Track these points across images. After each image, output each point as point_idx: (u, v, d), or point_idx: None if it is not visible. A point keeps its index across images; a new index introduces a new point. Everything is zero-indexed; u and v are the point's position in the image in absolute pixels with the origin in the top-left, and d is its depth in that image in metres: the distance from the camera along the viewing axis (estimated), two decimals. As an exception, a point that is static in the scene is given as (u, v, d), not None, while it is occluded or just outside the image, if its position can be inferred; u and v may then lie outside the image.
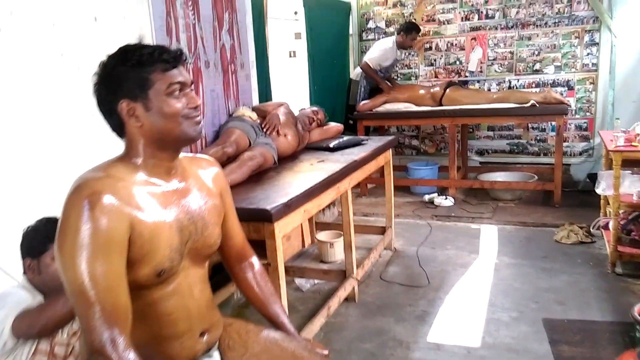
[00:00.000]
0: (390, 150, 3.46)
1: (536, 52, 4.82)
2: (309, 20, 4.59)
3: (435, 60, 5.22)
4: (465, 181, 4.68)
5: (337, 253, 3.30)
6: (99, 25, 2.05)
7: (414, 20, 5.01)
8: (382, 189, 3.66)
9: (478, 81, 5.08)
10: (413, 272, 3.18)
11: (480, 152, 5.20)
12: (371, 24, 5.45)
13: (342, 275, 2.83)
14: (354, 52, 5.47)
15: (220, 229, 1.28)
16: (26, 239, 1.50)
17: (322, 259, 3.44)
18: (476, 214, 4.15)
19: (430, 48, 5.22)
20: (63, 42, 1.90)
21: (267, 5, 3.63)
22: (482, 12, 4.94)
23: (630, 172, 3.04)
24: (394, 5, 5.27)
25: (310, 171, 2.57)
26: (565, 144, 4.70)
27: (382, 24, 5.38)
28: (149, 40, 2.32)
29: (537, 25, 4.78)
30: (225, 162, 2.43)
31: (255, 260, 1.42)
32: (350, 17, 5.38)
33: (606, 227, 3.28)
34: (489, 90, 5.00)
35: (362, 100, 4.85)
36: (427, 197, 4.57)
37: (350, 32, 5.41)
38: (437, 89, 4.64)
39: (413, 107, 4.64)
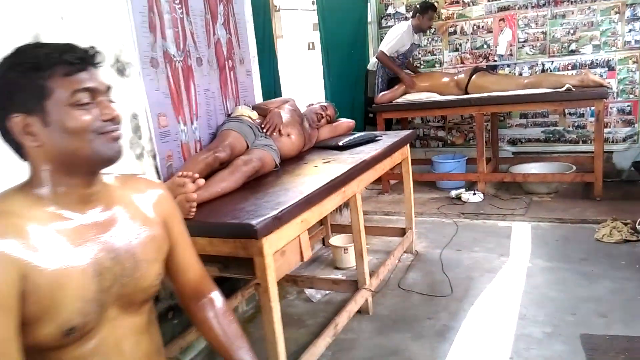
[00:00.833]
0: (408, 145, 3.18)
1: (571, 31, 4.41)
2: (322, 9, 4.34)
3: (460, 44, 4.87)
4: (495, 174, 4.33)
5: (352, 259, 3.04)
6: (66, 24, 1.86)
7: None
8: None
9: (508, 65, 4.70)
10: (435, 279, 2.90)
11: (513, 142, 4.83)
12: (390, 10, 5.14)
13: (354, 285, 2.59)
14: (373, 40, 5.17)
15: (161, 265, 1.06)
16: None
17: (337, 265, 3.21)
18: (507, 211, 3.81)
19: (455, 32, 4.87)
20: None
21: (271, -5, 3.39)
22: (510, -10, 4.56)
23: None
24: (414, -12, 4.94)
25: (313, 174, 2.33)
26: (606, 130, 4.29)
27: (402, 9, 5.06)
28: (129, 39, 2.13)
29: (571, 2, 4.37)
30: (217, 168, 2.22)
31: (216, 296, 1.20)
32: (369, 3, 5.08)
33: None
34: (520, 74, 4.62)
35: (381, 91, 4.56)
36: (453, 193, 4.25)
37: (369, 19, 5.11)
38: (461, 75, 4.30)
39: (436, 97, 4.32)
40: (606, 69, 4.32)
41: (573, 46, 4.42)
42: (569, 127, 4.57)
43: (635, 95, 4.28)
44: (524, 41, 4.60)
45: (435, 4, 4.60)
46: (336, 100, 4.56)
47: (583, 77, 3.85)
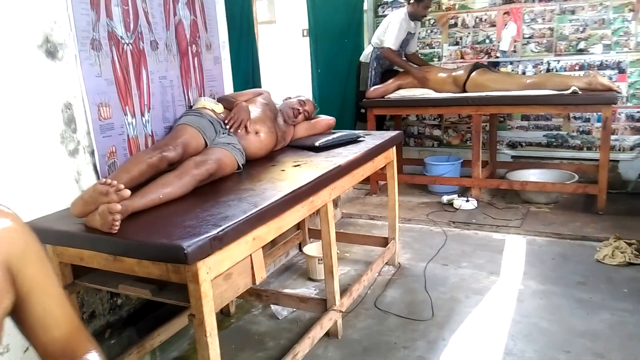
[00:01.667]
0: (394, 148, 2.87)
1: (581, 29, 4.07)
2: (311, -8, 4.00)
3: (461, 38, 4.54)
4: (491, 181, 4.02)
5: (327, 271, 2.76)
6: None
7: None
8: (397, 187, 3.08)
9: (511, 63, 4.38)
10: (416, 299, 2.61)
11: (513, 145, 4.52)
12: (388, -3, 4.79)
13: (323, 305, 2.30)
14: (369, 29, 4.83)
15: None
16: None
17: (310, 276, 2.92)
18: (502, 221, 3.51)
19: (456, 24, 4.54)
20: None
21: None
22: (516, -19, 4.22)
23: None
24: (414, -25, 4.59)
25: (278, 180, 2.03)
26: (613, 136, 3.98)
27: (401, -3, 4.71)
28: (63, 15, 1.81)
29: (583, -4, 4.03)
30: (165, 169, 1.92)
31: (93, 358, 0.90)
32: (365, -10, 4.74)
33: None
34: (524, 73, 4.30)
35: (373, 85, 4.24)
36: (445, 199, 3.95)
37: (365, 7, 4.77)
38: (460, 72, 3.97)
39: (432, 94, 4.00)
40: (616, 71, 3.99)
41: (582, 45, 4.09)
42: (573, 132, 4.26)
43: (647, 101, 3.97)
44: (529, 37, 4.27)
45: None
46: (324, 93, 4.25)
47: (591, 80, 3.53)
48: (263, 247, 1.77)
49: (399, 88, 4.12)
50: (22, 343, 1.67)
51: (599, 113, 3.75)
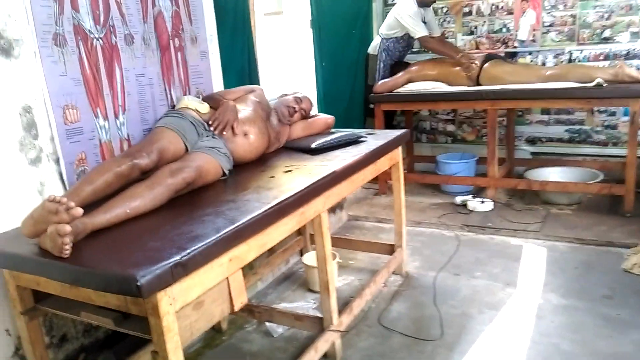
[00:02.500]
0: (400, 149, 2.63)
1: (606, 15, 3.76)
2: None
3: (476, 27, 4.25)
4: (508, 180, 3.74)
5: (327, 282, 2.55)
6: None
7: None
8: (407, 186, 2.84)
9: (530, 53, 4.08)
10: (424, 314, 2.38)
11: (532, 141, 4.24)
12: (398, -15, 4.51)
13: (320, 324, 2.09)
14: (378, 19, 4.57)
15: None
16: None
17: (310, 286, 2.71)
18: (519, 225, 3.25)
19: (470, 12, 4.25)
20: None
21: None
22: (536, -36, 3.92)
23: None
24: (425, -39, 4.31)
25: (264, 188, 1.82)
26: (641, 132, 3.66)
27: (411, -16, 4.43)
28: (19, 7, 1.62)
29: (608, -21, 3.71)
30: (137, 179, 1.72)
31: None
32: (375, -22, 4.48)
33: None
34: (544, 64, 4.00)
35: (382, 79, 3.99)
36: (458, 199, 3.70)
37: (374, -4, 4.51)
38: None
39: (444, 87, 3.74)
40: (645, 60, 3.68)
41: (607, 33, 3.77)
42: (597, 126, 3.96)
43: (679, 93, 3.64)
44: (550, 25, 3.97)
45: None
46: (330, 88, 4.03)
47: (617, 71, 3.23)
48: (261, 255, 1.56)
49: (409, 81, 3.86)
50: None
51: (627, 107, 3.44)
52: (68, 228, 1.28)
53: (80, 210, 1.32)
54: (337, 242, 2.93)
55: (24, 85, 1.64)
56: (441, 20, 4.33)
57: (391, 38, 3.94)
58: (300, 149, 2.36)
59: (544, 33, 4.01)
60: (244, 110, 2.23)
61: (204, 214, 1.59)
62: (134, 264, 1.23)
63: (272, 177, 1.97)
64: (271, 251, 2.74)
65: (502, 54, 4.01)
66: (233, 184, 1.94)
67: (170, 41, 2.19)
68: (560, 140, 4.13)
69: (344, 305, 2.23)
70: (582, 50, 3.87)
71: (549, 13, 3.95)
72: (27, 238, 1.42)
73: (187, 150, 1.97)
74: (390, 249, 2.77)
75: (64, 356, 1.84)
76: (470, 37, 4.28)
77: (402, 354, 2.11)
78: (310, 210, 1.86)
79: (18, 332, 1.61)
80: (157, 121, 2.07)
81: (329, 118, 2.59)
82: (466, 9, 4.25)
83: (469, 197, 3.68)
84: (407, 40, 3.96)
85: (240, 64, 2.91)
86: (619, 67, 3.24)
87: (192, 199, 1.76)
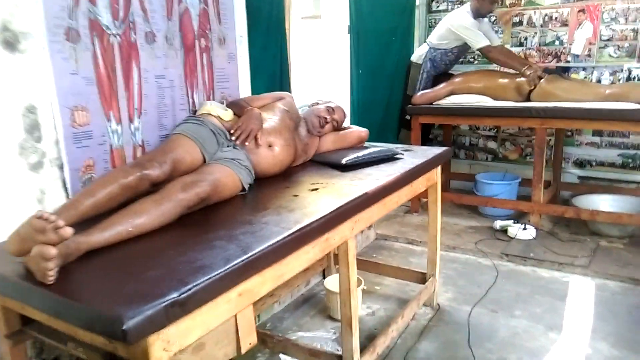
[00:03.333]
0: (439, 169, 2.39)
1: (674, 31, 3.43)
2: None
3: (526, 39, 3.97)
4: (554, 207, 3.44)
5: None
6: None
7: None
8: (442, 206, 2.59)
9: (584, 69, 3.78)
10: (455, 357, 2.14)
11: (580, 164, 3.92)
12: (444, -9, 4.28)
13: (338, 362, 1.87)
14: (420, 27, 4.34)
15: None
16: None
17: (330, 314, 2.49)
18: (565, 258, 2.96)
19: (521, 22, 3.98)
20: None
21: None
22: (597, -27, 3.62)
23: None
24: (475, -34, 4.06)
25: (286, 209, 1.62)
26: None
27: (458, -9, 4.19)
28: (30, 1, 1.47)
29: (679, -8, 3.39)
30: (146, 191, 1.55)
31: None
32: (419, -17, 4.25)
33: None
34: (599, 81, 3.69)
35: (423, 90, 3.75)
36: (498, 224, 3.42)
37: (417, 1, 4.28)
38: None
39: (489, 101, 3.47)
40: None
41: (674, 50, 3.45)
42: (656, 153, 3.62)
43: None
44: (608, 40, 3.66)
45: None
46: (366, 97, 3.82)
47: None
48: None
49: (451, 93, 3.61)
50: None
51: (694, 133, 3.11)
52: (53, 251, 1.11)
53: (69, 231, 1.15)
54: (363, 264, 2.71)
55: (29, 83, 1.49)
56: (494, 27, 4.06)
57: (440, 49, 3.69)
58: (330, 163, 2.15)
59: (600, 47, 3.70)
60: (270, 119, 2.04)
61: (215, 237, 1.40)
62: (125, 300, 1.05)
63: (296, 195, 1.77)
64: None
65: (556, 69, 3.71)
66: (252, 201, 1.75)
67: (196, 41, 2.02)
68: (612, 164, 3.81)
69: (366, 340, 2.02)
70: (643, 69, 3.55)
71: (607, 26, 3.65)
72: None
73: (204, 161, 1.80)
74: (422, 278, 2.53)
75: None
76: (520, 48, 4.00)
77: (430, 402, 1.87)
78: (336, 236, 1.65)
79: (1, 356, 1.46)
80: (175, 127, 1.90)
81: (362, 131, 2.37)
82: (516, 19, 3.98)
83: (510, 222, 3.40)
84: (456, 54, 3.70)
85: (272, 69, 2.73)
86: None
87: (204, 217, 1.58)
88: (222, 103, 2.11)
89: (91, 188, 1.45)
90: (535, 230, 3.29)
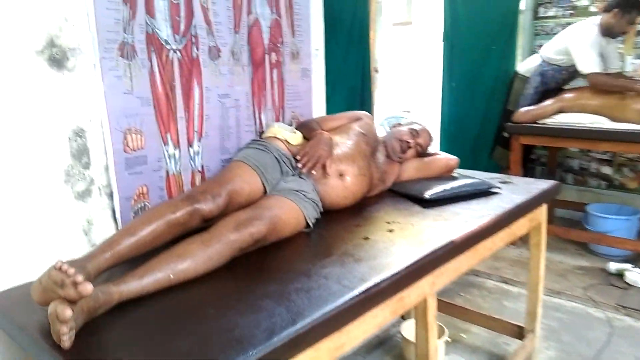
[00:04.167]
0: (545, 207, 2.01)
1: None
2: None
3: (654, 49, 3.39)
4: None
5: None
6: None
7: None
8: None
9: None
10: None
11: None
12: (554, -6, 3.79)
13: None
14: (525, 34, 3.87)
15: None
16: None
17: (407, 365, 2.19)
18: (703, 317, 2.41)
19: (648, 30, 3.39)
20: None
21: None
22: None
23: None
24: (594, -34, 3.55)
25: (354, 257, 1.36)
26: None
27: (572, -6, 3.69)
28: (80, 9, 1.34)
29: None
30: (197, 226, 1.37)
31: None
32: (524, -15, 3.79)
33: None
34: None
35: (527, 105, 3.30)
36: (613, 267, 2.90)
37: (522, 6, 3.82)
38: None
39: (605, 122, 2.97)
40: None
41: None
42: None
43: None
44: None
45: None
46: (458, 111, 3.46)
47: None
48: None
49: (560, 111, 3.14)
50: None
51: None
52: (68, 313, 0.94)
53: (89, 288, 0.97)
54: (447, 308, 2.37)
55: (78, 104, 1.37)
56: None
57: (554, 65, 3.22)
58: (410, 196, 1.86)
59: None
60: (343, 143, 1.80)
61: (264, 293, 1.17)
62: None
63: (367, 238, 1.50)
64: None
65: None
66: (315, 243, 1.51)
67: (266, 56, 1.83)
68: None
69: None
70: None
71: None
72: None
73: (265, 191, 1.59)
74: (518, 332, 2.14)
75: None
76: (645, 60, 3.42)
77: None
78: (412, 294, 1.36)
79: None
80: (237, 151, 1.72)
81: (451, 159, 2.05)
82: (642, 26, 3.41)
83: (628, 266, 2.87)
84: (572, 73, 3.21)
85: (352, 83, 2.50)
86: None
87: (258, 261, 1.36)
88: (291, 124, 1.89)
89: (133, 225, 1.28)
90: (661, 277, 2.74)
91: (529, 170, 3.86)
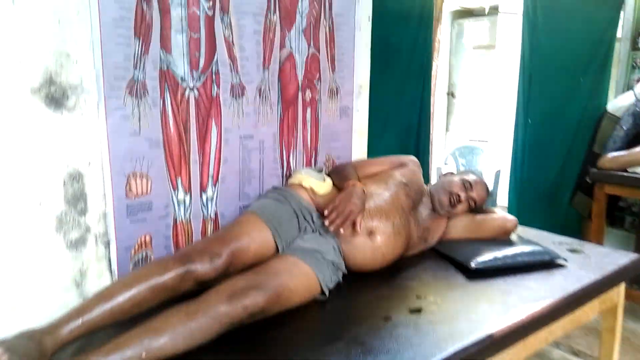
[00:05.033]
0: (622, 286, 1.65)
1: None
2: (531, 9, 2.90)
3: None
4: None
5: None
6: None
7: None
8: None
9: None
10: None
11: None
12: (658, 22, 3.30)
13: None
14: (621, 66, 3.41)
15: None
16: None
17: None
18: None
19: None
20: None
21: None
22: None
23: None
24: None
25: (365, 348, 1.13)
26: None
27: (681, 22, 3.19)
28: (85, 49, 1.24)
29: None
30: (191, 289, 1.21)
31: None
32: (622, 12, 3.34)
33: None
34: None
35: (616, 150, 2.87)
36: None
37: (619, 34, 3.37)
38: None
39: None
40: None
41: None
42: None
43: None
44: None
45: None
46: (533, 151, 3.09)
47: None
48: None
49: (654, 159, 2.69)
50: None
51: None
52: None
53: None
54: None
55: (76, 145, 1.26)
56: None
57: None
58: (454, 261, 1.59)
59: None
60: (379, 195, 1.57)
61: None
62: None
63: (388, 318, 1.26)
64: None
65: None
66: (325, 317, 1.30)
67: (299, 93, 1.66)
68: None
69: None
70: None
71: None
72: None
73: (277, 250, 1.40)
74: None
75: None
76: None
77: None
78: (432, 401, 1.11)
79: None
80: (257, 198, 1.55)
81: (508, 220, 1.74)
82: None
83: None
84: None
85: (406, 121, 2.26)
86: None
87: (251, 338, 1.17)
88: (322, 170, 1.68)
89: (110, 289, 1.15)
90: None
91: (616, 220, 3.39)
